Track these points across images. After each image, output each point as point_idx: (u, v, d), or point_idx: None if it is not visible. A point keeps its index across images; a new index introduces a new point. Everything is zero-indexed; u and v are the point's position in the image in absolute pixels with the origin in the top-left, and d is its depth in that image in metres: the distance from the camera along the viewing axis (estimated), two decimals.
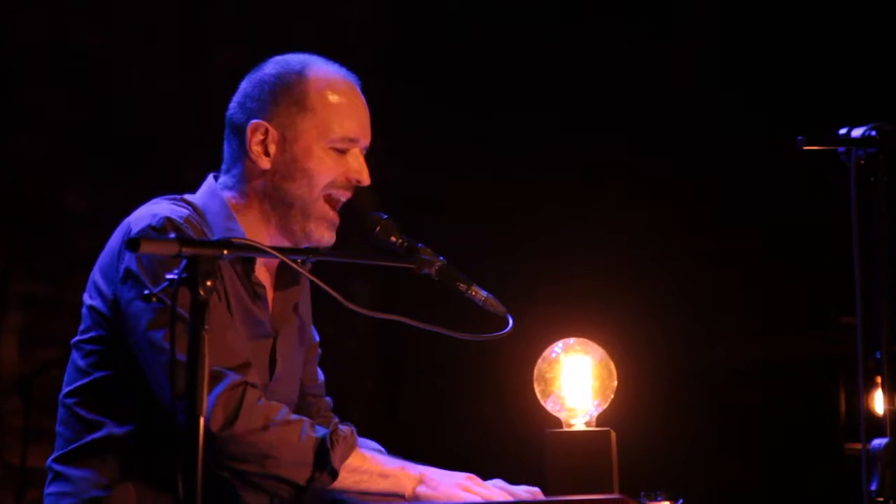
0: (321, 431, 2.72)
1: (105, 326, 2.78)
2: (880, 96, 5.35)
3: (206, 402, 2.27)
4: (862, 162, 2.78)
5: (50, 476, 2.82)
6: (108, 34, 5.89)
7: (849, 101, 5.33)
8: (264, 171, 2.89)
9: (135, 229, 2.76)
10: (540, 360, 2.75)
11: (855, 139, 2.79)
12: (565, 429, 2.69)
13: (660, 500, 2.75)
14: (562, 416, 2.71)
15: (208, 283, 2.30)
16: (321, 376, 3.14)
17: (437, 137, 6.19)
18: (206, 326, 2.28)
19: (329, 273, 3.04)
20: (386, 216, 2.91)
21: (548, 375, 2.74)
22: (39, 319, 5.57)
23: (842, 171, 2.80)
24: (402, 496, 2.76)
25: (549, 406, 2.72)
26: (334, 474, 2.70)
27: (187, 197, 2.92)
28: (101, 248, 2.88)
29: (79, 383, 2.80)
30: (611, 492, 2.59)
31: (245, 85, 2.95)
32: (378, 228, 2.89)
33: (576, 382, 2.73)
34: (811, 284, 5.61)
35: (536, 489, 2.78)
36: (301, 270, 2.77)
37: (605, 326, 3.23)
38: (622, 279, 5.73)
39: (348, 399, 3.55)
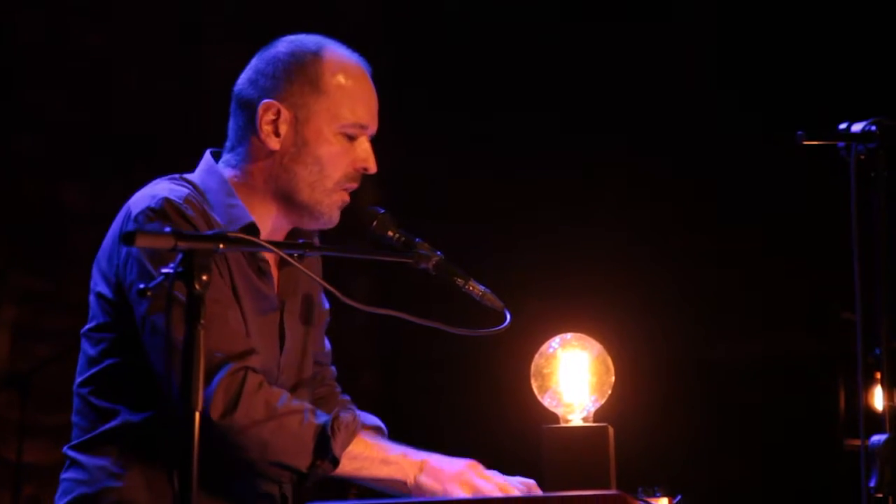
0: (322, 418, 2.70)
1: (111, 313, 2.76)
2: (880, 91, 5.35)
3: (202, 396, 2.26)
4: (862, 157, 2.77)
5: (67, 462, 2.81)
6: (108, 34, 5.89)
7: (849, 100, 5.33)
8: (272, 152, 2.85)
9: (134, 211, 2.74)
10: (537, 356, 2.74)
11: (855, 134, 2.78)
12: (562, 424, 2.68)
13: (658, 497, 2.74)
14: (559, 411, 2.70)
15: (204, 278, 2.29)
16: (328, 345, 3.10)
17: (436, 136, 6.19)
18: (202, 321, 2.27)
19: (326, 268, 3.04)
20: (383, 210, 2.89)
21: (545, 371, 2.72)
22: (37, 316, 5.57)
23: (842, 167, 2.79)
24: (403, 483, 2.75)
25: (547, 402, 2.71)
26: (335, 462, 2.69)
27: (187, 176, 2.89)
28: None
29: (91, 372, 2.78)
30: (608, 488, 2.57)
31: (256, 62, 2.90)
32: (375, 223, 2.87)
33: (573, 378, 2.71)
34: (810, 281, 5.61)
35: (531, 481, 2.76)
36: (296, 265, 2.75)
37: (603, 322, 3.23)
38: (620, 274, 5.74)
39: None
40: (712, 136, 5.83)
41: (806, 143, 2.83)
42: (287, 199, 2.86)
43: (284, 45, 2.90)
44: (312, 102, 2.84)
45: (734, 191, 5.83)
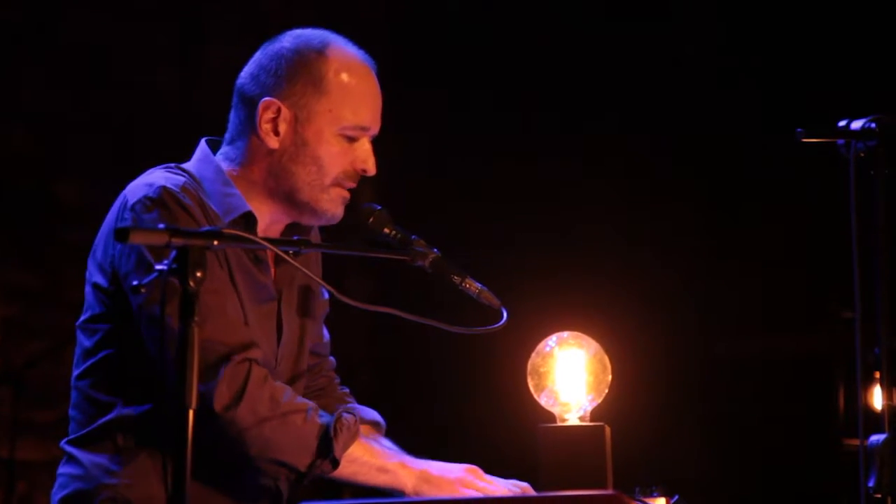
0: (325, 418, 2.69)
1: (107, 303, 2.74)
2: (880, 89, 5.34)
3: (197, 393, 2.24)
4: (862, 155, 2.75)
5: (65, 457, 2.80)
6: (107, 31, 5.88)
7: (849, 100, 5.31)
8: (271, 151, 2.83)
9: (131, 200, 2.72)
10: (534, 354, 2.73)
11: (854, 131, 2.77)
12: (559, 424, 2.67)
13: (655, 497, 2.72)
14: (555, 410, 2.69)
15: (198, 274, 2.27)
16: (326, 335, 3.08)
17: (435, 135, 6.18)
18: (196, 318, 2.26)
19: (325, 264, 3.02)
20: (380, 207, 2.87)
21: (541, 369, 2.71)
22: (30, 312, 5.56)
23: (841, 164, 2.78)
24: (401, 493, 2.73)
25: (543, 400, 2.70)
26: (336, 463, 2.68)
27: (183, 165, 2.87)
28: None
29: (87, 364, 2.77)
30: (605, 488, 2.56)
31: (260, 56, 2.87)
32: (371, 219, 2.86)
33: (570, 377, 2.70)
34: (809, 280, 5.60)
35: (526, 484, 2.75)
36: (292, 262, 2.73)
37: (600, 320, 3.22)
38: (618, 273, 5.74)
39: None
40: (712, 136, 5.83)
41: (805, 140, 2.82)
42: (287, 197, 2.84)
43: (289, 40, 2.87)
44: (314, 103, 2.82)
45: (734, 190, 5.83)
